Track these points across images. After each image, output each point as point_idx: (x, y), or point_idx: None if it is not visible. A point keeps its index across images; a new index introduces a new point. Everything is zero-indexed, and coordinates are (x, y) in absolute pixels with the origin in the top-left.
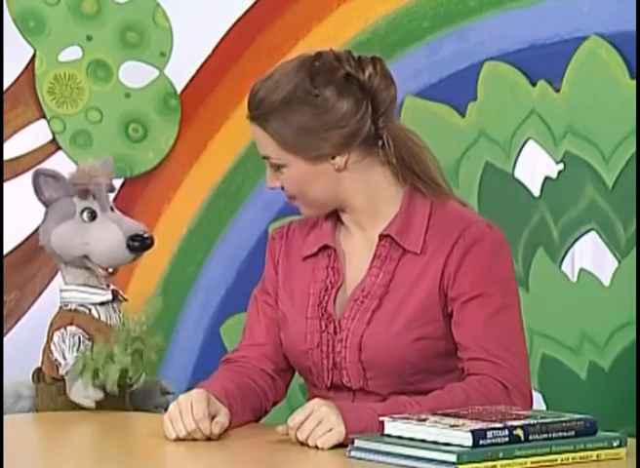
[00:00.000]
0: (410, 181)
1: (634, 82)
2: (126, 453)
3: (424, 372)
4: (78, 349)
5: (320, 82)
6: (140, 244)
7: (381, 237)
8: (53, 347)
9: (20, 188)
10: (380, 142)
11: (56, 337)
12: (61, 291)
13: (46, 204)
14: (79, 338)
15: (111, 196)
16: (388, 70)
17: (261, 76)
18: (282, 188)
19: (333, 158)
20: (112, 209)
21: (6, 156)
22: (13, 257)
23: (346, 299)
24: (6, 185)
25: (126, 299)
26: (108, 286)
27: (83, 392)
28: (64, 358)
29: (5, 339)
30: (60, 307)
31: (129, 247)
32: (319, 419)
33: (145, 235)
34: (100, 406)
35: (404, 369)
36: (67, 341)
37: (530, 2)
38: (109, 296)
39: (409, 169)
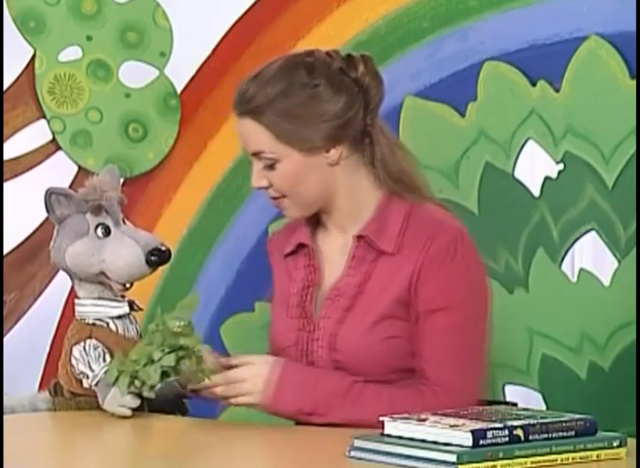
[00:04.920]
0: (389, 184)
1: (634, 82)
2: (125, 453)
3: (400, 372)
4: (104, 360)
5: (317, 74)
6: (158, 258)
7: (357, 238)
8: (74, 361)
9: (19, 188)
10: (368, 140)
11: (76, 352)
12: (77, 304)
13: (57, 221)
14: (102, 350)
15: None
16: (378, 70)
17: (246, 77)
18: (266, 189)
19: (327, 151)
20: (124, 221)
21: (6, 156)
22: (13, 257)
23: (322, 299)
24: (6, 185)
25: (141, 309)
26: (123, 297)
27: (119, 400)
28: (92, 370)
29: (5, 339)
30: (76, 319)
31: (148, 262)
32: (246, 377)
33: (163, 248)
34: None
35: (378, 368)
36: (92, 353)
37: (530, 2)
38: (126, 309)
39: (389, 171)
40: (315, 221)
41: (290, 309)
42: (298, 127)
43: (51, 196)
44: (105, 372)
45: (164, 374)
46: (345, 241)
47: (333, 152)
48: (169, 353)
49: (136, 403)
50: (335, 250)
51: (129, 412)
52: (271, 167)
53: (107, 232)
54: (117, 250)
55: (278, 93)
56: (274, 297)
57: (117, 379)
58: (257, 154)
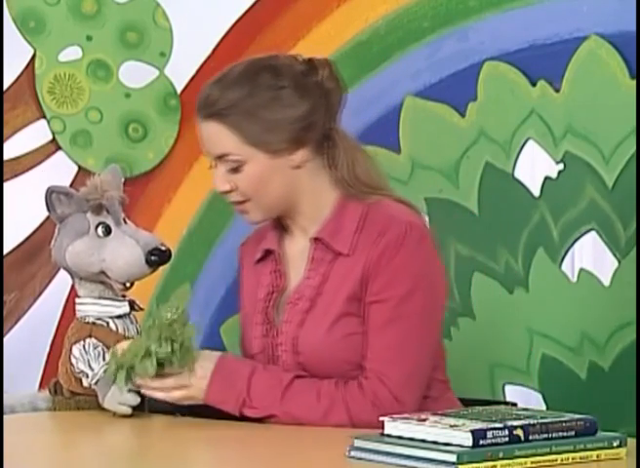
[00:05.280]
0: (346, 186)
1: (634, 82)
2: (124, 453)
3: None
4: (104, 359)
5: (283, 77)
6: (158, 258)
7: (315, 240)
8: (74, 360)
9: (20, 188)
10: (329, 143)
11: (76, 350)
12: (77, 303)
13: (58, 220)
14: (102, 350)
15: None
16: (339, 74)
17: (208, 81)
18: (229, 192)
19: (291, 154)
20: (125, 221)
21: (6, 156)
22: (13, 257)
23: (285, 303)
24: (6, 185)
25: (142, 308)
26: (124, 296)
27: (119, 398)
28: (91, 368)
29: (5, 339)
30: (76, 318)
31: (147, 261)
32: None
33: (163, 248)
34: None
35: (341, 367)
36: (92, 352)
37: (530, 2)
38: (127, 309)
39: (349, 173)
40: (282, 227)
41: (255, 315)
42: (263, 128)
43: (52, 194)
44: (105, 371)
45: (159, 366)
46: (306, 244)
47: (297, 155)
48: (165, 343)
49: (136, 400)
50: (298, 252)
51: (129, 411)
52: (236, 170)
53: (108, 231)
54: (117, 249)
55: (242, 95)
56: (242, 305)
57: (115, 375)
58: (221, 157)
